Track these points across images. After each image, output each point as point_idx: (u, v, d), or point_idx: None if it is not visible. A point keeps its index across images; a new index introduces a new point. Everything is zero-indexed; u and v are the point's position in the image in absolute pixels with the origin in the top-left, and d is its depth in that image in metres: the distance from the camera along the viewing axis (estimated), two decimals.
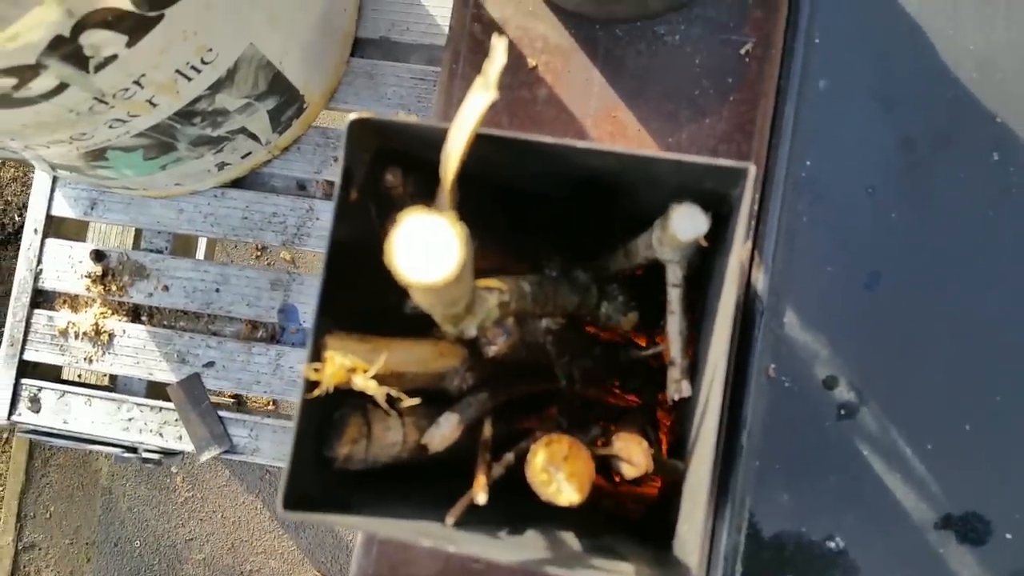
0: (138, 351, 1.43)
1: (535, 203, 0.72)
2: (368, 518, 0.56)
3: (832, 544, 0.78)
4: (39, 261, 1.45)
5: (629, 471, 0.62)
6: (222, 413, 1.40)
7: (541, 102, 0.93)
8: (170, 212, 1.43)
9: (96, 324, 1.43)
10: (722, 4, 0.90)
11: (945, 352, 0.78)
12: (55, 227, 1.47)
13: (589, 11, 0.91)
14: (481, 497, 0.56)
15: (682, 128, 0.90)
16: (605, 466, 0.65)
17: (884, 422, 0.78)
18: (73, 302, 1.45)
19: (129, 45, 0.92)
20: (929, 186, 0.81)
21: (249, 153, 1.34)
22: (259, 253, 2.16)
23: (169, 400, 1.41)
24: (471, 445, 0.64)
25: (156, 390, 1.45)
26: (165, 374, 1.42)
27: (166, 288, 1.43)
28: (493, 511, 0.57)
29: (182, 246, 1.51)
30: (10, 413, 1.42)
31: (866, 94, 0.83)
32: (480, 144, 0.49)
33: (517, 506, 0.60)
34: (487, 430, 0.65)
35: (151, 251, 1.45)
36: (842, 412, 0.79)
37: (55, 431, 1.43)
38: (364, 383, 0.51)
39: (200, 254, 1.70)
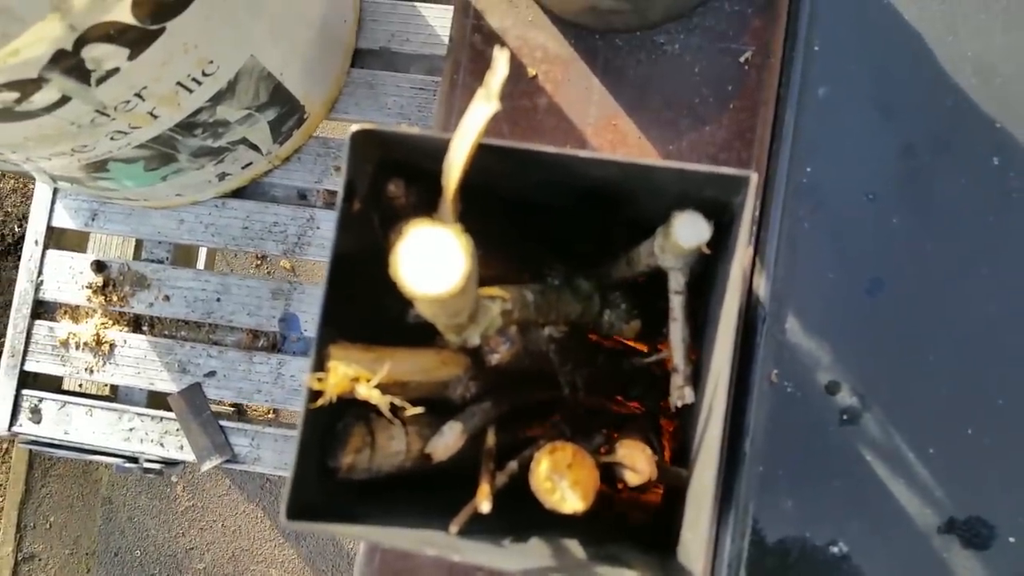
0: (139, 361, 1.43)
1: (537, 212, 0.73)
2: (372, 527, 0.56)
3: (835, 549, 0.77)
4: (40, 272, 1.45)
5: (633, 478, 0.62)
6: (223, 422, 1.40)
7: (542, 111, 0.93)
8: (171, 222, 1.43)
9: (97, 334, 1.43)
10: (721, 13, 0.91)
11: (947, 356, 0.79)
12: (56, 238, 1.47)
13: (589, 21, 0.92)
14: (485, 505, 0.56)
15: (682, 136, 0.90)
16: (609, 474, 0.65)
17: (887, 427, 0.78)
18: (74, 313, 1.45)
19: (131, 58, 0.93)
20: (930, 192, 0.81)
21: (250, 163, 1.34)
22: (259, 263, 2.16)
23: (170, 410, 1.41)
24: (475, 454, 0.64)
25: (157, 400, 1.45)
26: (166, 384, 1.42)
27: (167, 298, 1.43)
28: (497, 520, 0.57)
29: (183, 256, 1.52)
30: (11, 424, 1.42)
31: (866, 101, 0.84)
32: (482, 154, 0.50)
33: (521, 515, 0.60)
34: (491, 439, 0.65)
35: (152, 261, 1.46)
36: (845, 417, 0.79)
37: (56, 442, 1.42)
38: (367, 392, 0.51)
39: (201, 264, 1.70)
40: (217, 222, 1.42)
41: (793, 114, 0.84)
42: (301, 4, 1.21)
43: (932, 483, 0.77)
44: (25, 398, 1.43)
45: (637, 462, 0.62)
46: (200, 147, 1.20)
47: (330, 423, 0.58)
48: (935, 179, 0.81)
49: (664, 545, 0.64)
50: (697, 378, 0.66)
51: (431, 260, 0.39)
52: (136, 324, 1.46)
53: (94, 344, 1.42)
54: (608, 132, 0.92)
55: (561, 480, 0.56)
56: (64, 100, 0.93)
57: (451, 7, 0.98)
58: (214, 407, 1.41)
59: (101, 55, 0.89)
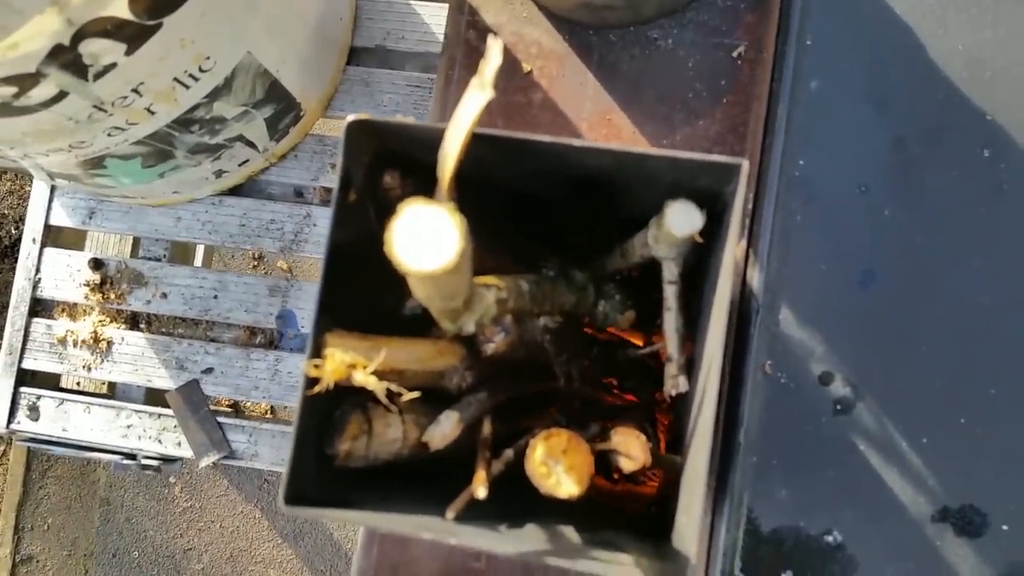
0: (137, 358, 1.43)
1: (532, 204, 0.73)
2: (369, 512, 0.57)
3: (830, 538, 0.78)
4: (37, 270, 1.45)
5: (628, 465, 0.62)
6: (221, 419, 1.40)
7: (536, 107, 0.94)
8: (168, 220, 1.43)
9: (95, 332, 1.43)
10: (714, 8, 0.92)
11: (939, 347, 0.79)
12: (53, 236, 1.47)
13: (583, 17, 0.92)
14: (481, 491, 0.56)
15: (676, 131, 0.91)
16: (604, 466, 0.66)
17: (880, 417, 0.79)
18: (72, 310, 1.45)
19: (128, 53, 0.93)
20: (921, 184, 0.82)
21: (247, 161, 1.35)
22: (256, 262, 2.16)
23: (168, 407, 1.41)
24: (471, 444, 0.64)
25: (155, 397, 1.46)
26: (164, 381, 1.42)
27: (164, 295, 1.43)
28: (493, 506, 0.58)
29: (180, 254, 1.52)
30: (9, 421, 1.42)
31: (857, 94, 0.84)
32: (476, 144, 0.50)
33: (517, 502, 0.60)
34: (487, 428, 0.65)
35: (149, 259, 1.46)
36: (838, 408, 0.80)
37: (54, 439, 1.43)
38: (364, 379, 0.52)
39: (198, 261, 1.71)
40: (214, 219, 1.42)
41: (786, 108, 0.85)
42: (297, 1, 1.21)
43: (925, 472, 0.78)
44: (23, 396, 1.43)
45: (632, 449, 0.62)
46: (197, 144, 1.21)
47: (327, 411, 0.59)
48: (927, 171, 0.82)
49: (659, 533, 0.64)
50: (691, 368, 0.66)
51: (425, 237, 0.40)
52: (134, 321, 1.46)
53: (92, 341, 1.43)
54: (603, 127, 0.93)
55: (556, 465, 0.57)
56: (62, 95, 0.94)
57: (446, 4, 0.99)
58: (210, 405, 1.42)
59: (98, 50, 0.90)
